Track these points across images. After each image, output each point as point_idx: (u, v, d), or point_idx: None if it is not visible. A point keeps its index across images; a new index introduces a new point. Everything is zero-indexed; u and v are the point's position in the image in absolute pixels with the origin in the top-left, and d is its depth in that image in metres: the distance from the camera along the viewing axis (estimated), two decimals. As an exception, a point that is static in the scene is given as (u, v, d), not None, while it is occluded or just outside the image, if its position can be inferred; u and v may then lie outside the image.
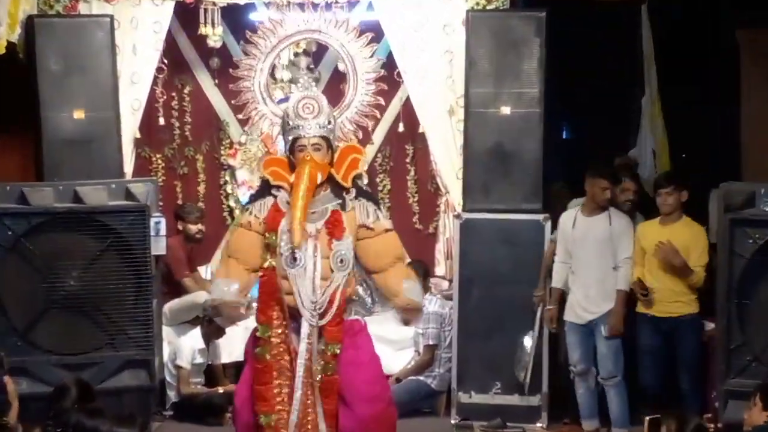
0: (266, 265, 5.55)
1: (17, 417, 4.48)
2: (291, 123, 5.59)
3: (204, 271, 8.64)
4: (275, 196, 5.57)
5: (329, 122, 5.63)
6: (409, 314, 6.01)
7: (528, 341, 7.38)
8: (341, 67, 7.94)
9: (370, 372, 5.58)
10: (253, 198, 5.79)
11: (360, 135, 6.75)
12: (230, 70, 7.30)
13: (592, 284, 7.03)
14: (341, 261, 5.48)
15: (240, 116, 7.49)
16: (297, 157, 5.53)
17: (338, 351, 5.44)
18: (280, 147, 7.25)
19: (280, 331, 5.50)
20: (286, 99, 8.49)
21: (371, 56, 7.00)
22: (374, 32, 8.14)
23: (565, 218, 7.23)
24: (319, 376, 5.42)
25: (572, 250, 7.14)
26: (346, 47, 7.06)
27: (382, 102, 7.22)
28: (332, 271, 5.45)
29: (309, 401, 5.44)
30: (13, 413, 4.44)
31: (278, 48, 7.31)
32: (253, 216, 5.60)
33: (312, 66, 8.76)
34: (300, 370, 5.42)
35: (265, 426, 5.43)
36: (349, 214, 5.57)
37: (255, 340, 5.53)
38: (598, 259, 7.02)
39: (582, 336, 7.12)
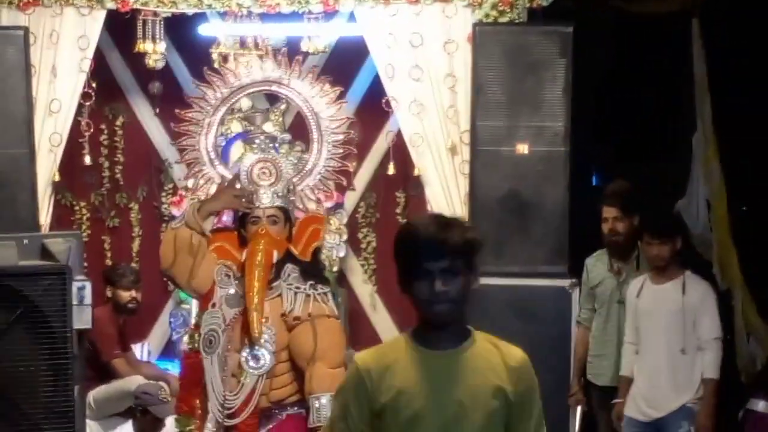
0: (189, 348, 5.94)
1: None
2: (244, 190, 5.87)
3: (139, 350, 8.60)
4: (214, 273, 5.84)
5: (288, 190, 5.93)
6: None
7: None
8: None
9: None
10: None
11: (324, 206, 6.88)
12: (178, 91, 7.31)
13: (660, 371, 7.02)
14: (255, 358, 5.63)
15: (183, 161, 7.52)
16: (249, 231, 5.78)
17: None
18: (225, 218, 7.37)
19: (208, 424, 5.76)
20: (245, 134, 8.54)
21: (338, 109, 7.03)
22: (354, 53, 8.23)
23: (631, 287, 7.27)
24: None
25: (638, 326, 7.16)
26: (310, 102, 7.04)
27: (350, 168, 7.28)
28: (240, 368, 5.63)
29: None
30: None
31: (229, 101, 7.35)
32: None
33: (281, 101, 8.77)
34: None
35: None
36: (275, 301, 5.76)
37: None
38: (667, 338, 7.01)
39: None
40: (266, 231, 5.76)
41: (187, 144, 6.92)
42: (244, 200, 5.96)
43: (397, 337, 4.05)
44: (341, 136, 6.86)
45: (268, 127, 8.46)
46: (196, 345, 5.83)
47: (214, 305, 5.79)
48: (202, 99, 7.02)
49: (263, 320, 5.66)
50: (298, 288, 5.80)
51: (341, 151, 6.78)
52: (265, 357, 5.63)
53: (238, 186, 6.07)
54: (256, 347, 5.64)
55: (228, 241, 5.92)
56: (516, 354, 4.08)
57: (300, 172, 6.52)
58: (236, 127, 8.52)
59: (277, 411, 5.78)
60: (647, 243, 7.17)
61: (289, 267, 5.82)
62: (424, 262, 3.79)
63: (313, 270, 5.90)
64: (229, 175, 6.48)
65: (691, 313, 6.98)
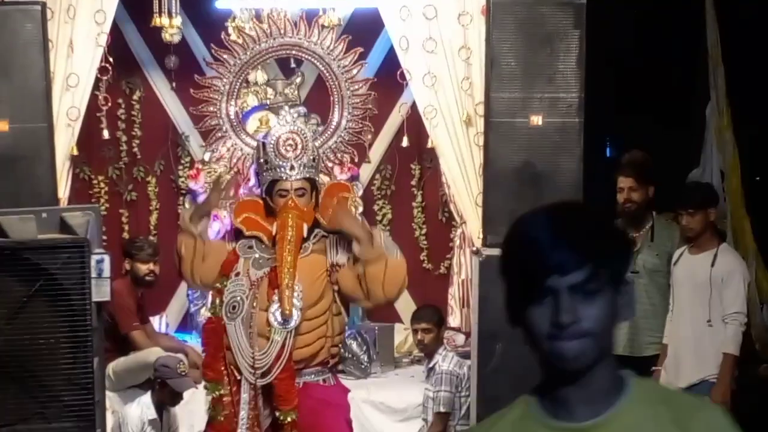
0: (211, 313, 5.96)
1: None
2: (270, 163, 5.88)
3: (157, 322, 8.64)
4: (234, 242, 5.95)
5: (314, 159, 5.95)
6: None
7: None
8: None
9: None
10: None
11: (347, 160, 6.90)
12: (195, 77, 7.32)
13: (685, 342, 7.06)
14: (282, 314, 5.68)
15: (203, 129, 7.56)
16: (277, 203, 5.83)
17: (294, 417, 5.66)
18: (242, 191, 7.43)
19: (232, 389, 5.79)
20: (261, 106, 8.56)
21: (357, 71, 7.07)
22: (369, 25, 8.23)
23: (674, 256, 7.30)
24: None
25: (674, 295, 7.22)
26: (331, 66, 7.08)
27: (370, 134, 7.30)
28: (269, 326, 5.61)
29: None
30: None
31: (249, 66, 7.36)
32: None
33: (296, 74, 8.80)
34: None
35: None
36: (311, 259, 5.83)
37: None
38: (693, 309, 7.03)
39: None
40: (295, 204, 5.80)
41: (208, 111, 6.95)
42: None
43: (517, 401, 2.78)
44: (359, 98, 6.92)
45: (289, 92, 8.51)
46: (218, 310, 5.85)
47: (238, 274, 5.81)
48: (222, 65, 7.05)
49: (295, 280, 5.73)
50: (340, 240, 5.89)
51: (358, 118, 6.84)
52: (295, 313, 5.66)
53: (223, 186, 6.20)
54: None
55: (255, 211, 5.95)
56: (708, 418, 2.62)
57: (321, 135, 6.58)
58: (252, 100, 8.57)
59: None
60: (678, 213, 7.19)
61: (320, 231, 5.88)
62: (544, 276, 2.51)
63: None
64: (253, 144, 6.51)
65: (717, 286, 6.96)
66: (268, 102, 8.74)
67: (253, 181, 7.11)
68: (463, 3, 7.83)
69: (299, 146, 5.88)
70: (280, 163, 5.85)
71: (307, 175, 5.90)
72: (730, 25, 8.71)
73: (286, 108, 6.44)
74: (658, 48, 9.08)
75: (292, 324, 5.66)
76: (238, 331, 5.71)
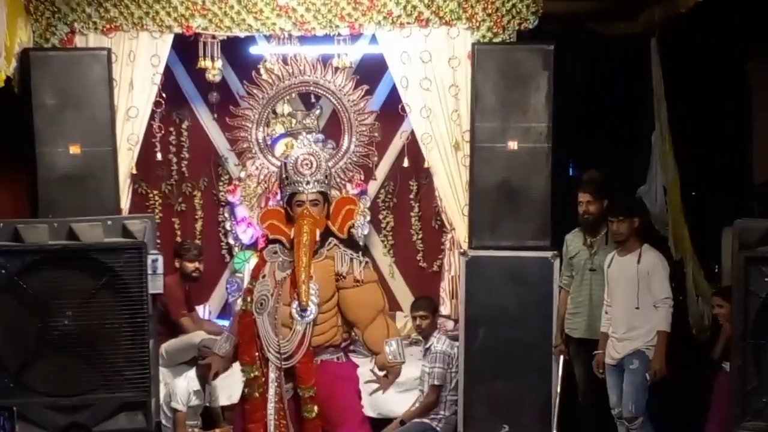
0: (243, 309, 5.98)
1: None
2: (290, 178, 5.89)
3: (201, 311, 8.61)
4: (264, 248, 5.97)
5: (326, 176, 5.95)
6: (390, 372, 6.16)
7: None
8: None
9: (349, 415, 5.89)
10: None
11: (357, 178, 6.99)
12: (230, 108, 7.33)
13: (621, 323, 7.12)
14: (303, 309, 5.70)
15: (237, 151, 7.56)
16: (295, 211, 5.84)
17: (312, 394, 5.67)
18: (271, 203, 7.44)
19: (263, 370, 5.82)
20: (286, 134, 8.55)
21: (364, 104, 7.09)
22: (375, 68, 8.22)
23: (606, 260, 7.33)
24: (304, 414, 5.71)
25: (609, 291, 7.25)
26: (342, 100, 7.09)
27: (376, 156, 7.37)
28: (291, 318, 5.63)
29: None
30: None
31: (275, 99, 7.37)
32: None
33: (316, 107, 8.78)
34: (271, 412, 5.56)
35: None
36: (324, 263, 5.84)
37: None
38: (626, 298, 7.09)
39: (616, 377, 7.14)
40: (309, 213, 5.79)
41: (240, 136, 6.97)
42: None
43: None
44: (366, 127, 6.93)
45: (308, 122, 8.49)
46: (249, 306, 5.85)
47: (264, 276, 5.81)
48: (252, 98, 7.06)
49: (310, 278, 5.71)
50: (351, 255, 5.92)
51: (365, 144, 6.84)
52: (312, 308, 5.64)
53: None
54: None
55: (277, 219, 5.95)
56: None
57: (333, 157, 6.58)
58: (279, 128, 8.56)
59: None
60: (610, 221, 7.23)
61: (333, 240, 5.86)
62: None
63: (349, 243, 5.99)
64: (277, 163, 6.50)
65: (644, 279, 7.05)
66: (291, 130, 8.74)
67: (279, 195, 7.10)
68: (452, 49, 7.82)
69: (314, 165, 5.89)
70: (298, 178, 5.86)
71: (320, 189, 5.89)
72: (671, 66, 8.69)
73: (304, 134, 6.45)
74: (612, 85, 9.05)
75: (311, 317, 5.66)
76: (265, 323, 5.72)
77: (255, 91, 7.12)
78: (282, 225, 5.92)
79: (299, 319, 5.67)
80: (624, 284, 7.11)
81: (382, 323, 5.98)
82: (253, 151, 6.97)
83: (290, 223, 5.92)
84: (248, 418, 5.83)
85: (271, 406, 5.74)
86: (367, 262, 6.16)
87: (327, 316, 5.76)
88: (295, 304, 5.68)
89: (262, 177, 6.89)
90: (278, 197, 7.72)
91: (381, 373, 6.19)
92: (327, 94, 7.15)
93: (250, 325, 5.83)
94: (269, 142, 7.28)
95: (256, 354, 5.80)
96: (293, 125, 8.71)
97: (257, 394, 5.77)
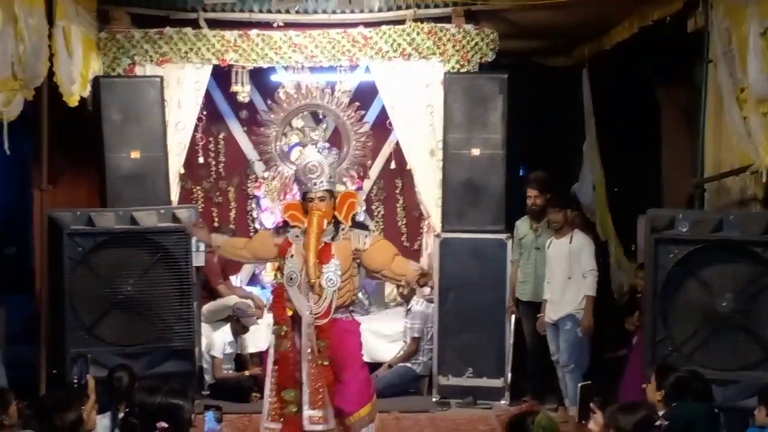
0: (277, 281, 5.89)
1: (92, 408, 4.47)
2: (302, 180, 5.85)
3: (234, 280, 8.61)
4: (288, 232, 5.86)
5: (330, 177, 5.86)
6: (424, 279, 6.11)
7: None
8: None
9: (352, 360, 5.86)
10: (276, 228, 6.07)
11: (355, 176, 6.94)
12: (258, 116, 7.31)
13: (557, 291, 7.09)
14: (329, 280, 5.67)
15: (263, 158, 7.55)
16: (308, 206, 5.79)
17: (327, 345, 5.68)
18: (289, 197, 7.47)
19: (292, 327, 5.74)
20: (298, 144, 8.53)
21: (360, 121, 7.12)
22: (369, 91, 8.21)
23: (547, 243, 7.29)
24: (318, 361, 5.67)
25: (549, 266, 7.21)
26: (341, 117, 7.11)
27: (369, 160, 7.42)
28: (321, 287, 5.65)
29: (316, 377, 5.66)
30: (89, 404, 4.43)
31: (288, 118, 7.38)
32: (276, 237, 5.93)
33: (323, 122, 8.76)
34: (306, 355, 5.64)
35: (286, 398, 5.71)
36: (342, 243, 5.81)
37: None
38: (561, 271, 7.06)
39: (554, 332, 7.14)
40: (318, 207, 5.75)
41: (264, 147, 6.95)
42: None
43: None
44: (363, 137, 6.92)
45: (315, 136, 8.48)
46: (280, 280, 5.83)
47: (292, 255, 5.76)
48: (272, 117, 7.06)
49: (332, 256, 5.72)
50: (363, 233, 5.93)
51: (360, 150, 6.83)
52: (336, 278, 5.67)
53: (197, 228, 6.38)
54: (329, 273, 5.69)
55: (297, 210, 5.89)
56: None
57: (337, 160, 6.56)
58: (294, 138, 8.54)
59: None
60: (549, 211, 7.22)
61: (345, 226, 5.84)
62: None
63: (356, 226, 5.95)
64: (292, 169, 6.49)
65: (575, 255, 7.03)
66: (303, 140, 8.72)
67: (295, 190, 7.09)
68: (429, 77, 7.83)
69: (319, 170, 5.83)
70: (308, 181, 5.81)
71: (327, 188, 5.81)
72: (598, 90, 8.72)
73: (310, 145, 6.40)
74: (552, 105, 9.05)
75: (337, 285, 5.67)
76: (296, 293, 5.68)
77: (273, 114, 7.13)
78: (300, 215, 5.86)
79: (328, 287, 5.67)
80: (559, 260, 7.10)
81: (400, 258, 5.98)
82: (274, 158, 6.98)
83: (306, 213, 5.86)
84: (279, 363, 5.78)
85: (306, 351, 5.68)
86: (374, 232, 6.24)
87: (345, 284, 5.76)
88: (324, 277, 5.69)
89: (281, 178, 6.88)
90: (293, 191, 7.76)
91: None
92: (330, 113, 7.17)
93: (281, 294, 5.79)
94: (285, 150, 7.26)
95: (287, 316, 5.78)
96: (305, 136, 8.69)
97: (288, 346, 5.72)
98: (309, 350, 5.67)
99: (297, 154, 8.37)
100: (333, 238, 5.79)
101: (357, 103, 7.15)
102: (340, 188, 6.44)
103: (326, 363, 5.68)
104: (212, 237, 6.37)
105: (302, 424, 5.65)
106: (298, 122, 8.60)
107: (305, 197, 5.84)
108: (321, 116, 8.69)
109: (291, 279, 5.72)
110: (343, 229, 5.83)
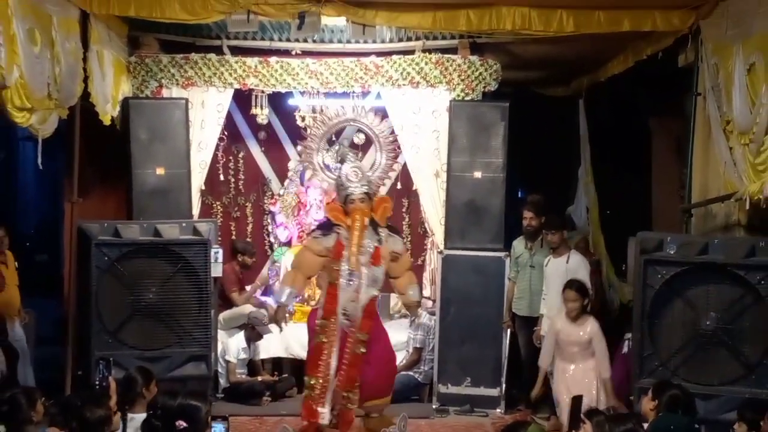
0: (329, 282, 6.16)
1: (115, 407, 4.48)
2: (344, 185, 6.16)
3: (249, 290, 8.61)
4: (338, 233, 6.12)
5: (369, 181, 6.23)
6: (410, 308, 6.77)
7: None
8: (355, 140, 8.33)
9: (382, 348, 6.29)
10: (320, 228, 6.38)
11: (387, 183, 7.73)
12: (298, 141, 7.31)
13: (554, 304, 6.97)
14: (374, 281, 6.09)
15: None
16: (350, 207, 6.12)
17: (366, 338, 6.08)
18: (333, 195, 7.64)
19: (331, 321, 6.06)
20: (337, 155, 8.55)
21: (390, 133, 7.29)
22: (381, 114, 8.23)
23: (544, 261, 7.23)
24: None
25: (546, 283, 7.15)
26: (373, 129, 7.19)
27: (399, 164, 7.83)
28: (358, 292, 6.03)
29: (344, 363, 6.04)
30: (112, 403, 4.44)
31: (328, 132, 7.49)
32: (320, 246, 6.19)
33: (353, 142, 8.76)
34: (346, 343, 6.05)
35: (307, 385, 6.06)
36: (385, 247, 6.18)
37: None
38: (557, 287, 6.92)
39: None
40: (359, 207, 6.08)
41: (307, 160, 7.09)
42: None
43: None
44: (392, 145, 7.11)
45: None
46: (334, 281, 6.07)
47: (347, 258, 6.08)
48: (312, 133, 7.23)
49: (382, 259, 6.12)
50: (400, 240, 6.44)
51: (392, 158, 6.98)
52: (381, 279, 6.15)
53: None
54: (377, 274, 6.11)
55: (339, 212, 6.19)
56: None
57: (371, 168, 6.82)
58: (332, 154, 8.53)
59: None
60: (546, 232, 7.18)
61: (385, 230, 6.19)
62: None
63: (391, 230, 6.32)
64: (332, 176, 6.77)
65: (572, 274, 6.91)
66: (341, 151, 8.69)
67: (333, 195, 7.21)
68: (435, 103, 7.86)
69: (360, 175, 6.15)
70: (350, 185, 6.10)
71: (365, 191, 6.14)
72: (593, 119, 8.74)
73: (350, 155, 6.44)
74: (550, 132, 9.07)
75: (380, 286, 6.20)
76: (348, 290, 6.05)
77: (314, 130, 7.32)
78: (342, 215, 6.14)
79: (371, 286, 6.06)
80: (556, 278, 7.04)
81: (409, 275, 6.41)
82: (314, 170, 7.11)
83: (346, 214, 6.14)
84: (313, 350, 6.08)
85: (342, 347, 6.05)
86: (403, 241, 6.81)
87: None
88: (370, 276, 6.06)
89: (322, 186, 7.44)
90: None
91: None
92: (363, 127, 7.38)
93: (333, 294, 6.06)
94: (326, 163, 7.32)
95: (330, 319, 6.05)
96: (344, 147, 8.65)
97: (324, 339, 6.01)
98: (351, 340, 5.99)
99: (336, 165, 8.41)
100: (380, 242, 6.12)
101: (387, 118, 7.36)
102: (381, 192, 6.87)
103: (363, 351, 6.01)
104: (279, 309, 6.54)
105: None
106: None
107: (346, 200, 6.11)
108: (333, 138, 8.73)
109: (350, 275, 6.00)
110: (382, 234, 6.15)
